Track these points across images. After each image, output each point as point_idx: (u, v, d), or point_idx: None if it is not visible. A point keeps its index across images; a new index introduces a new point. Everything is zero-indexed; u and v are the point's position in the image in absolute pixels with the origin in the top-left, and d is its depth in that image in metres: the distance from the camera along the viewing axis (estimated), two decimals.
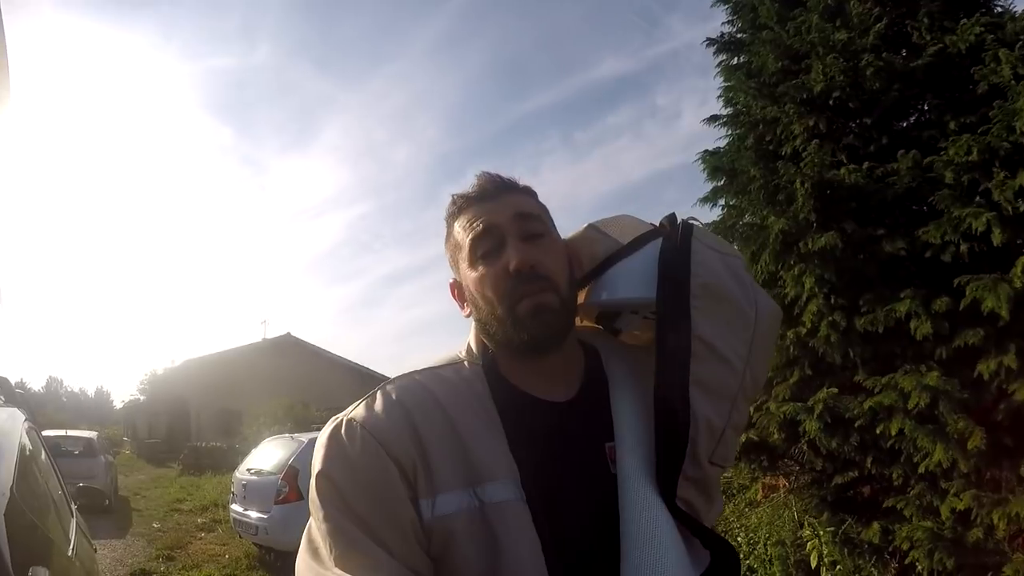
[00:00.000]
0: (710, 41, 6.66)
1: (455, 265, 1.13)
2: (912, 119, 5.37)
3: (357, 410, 1.01)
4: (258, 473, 8.64)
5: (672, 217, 1.13)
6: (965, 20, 4.83)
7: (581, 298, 1.17)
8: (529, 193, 1.14)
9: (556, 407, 1.05)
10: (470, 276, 1.07)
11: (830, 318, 4.88)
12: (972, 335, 4.20)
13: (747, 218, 6.02)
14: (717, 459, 1.03)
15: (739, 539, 5.92)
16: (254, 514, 8.05)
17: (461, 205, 1.11)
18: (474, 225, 1.06)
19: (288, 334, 32.51)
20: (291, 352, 31.00)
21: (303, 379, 27.21)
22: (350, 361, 32.59)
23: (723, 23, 6.82)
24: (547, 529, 0.92)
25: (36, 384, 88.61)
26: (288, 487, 7.69)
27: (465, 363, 1.09)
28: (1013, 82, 4.37)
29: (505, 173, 1.14)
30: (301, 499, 7.45)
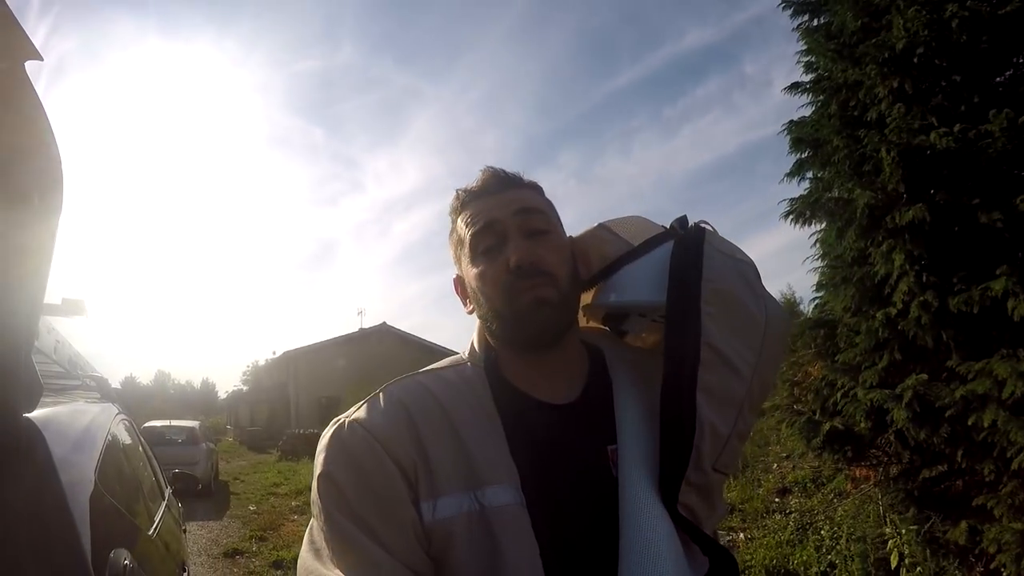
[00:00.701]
0: (786, 3, 6.21)
1: (457, 261, 1.13)
2: (1007, 73, 4.83)
3: (359, 412, 1.01)
4: None
5: (683, 220, 1.11)
6: None
7: (589, 299, 1.18)
8: (534, 188, 1.14)
9: (557, 409, 1.05)
10: (471, 272, 1.07)
11: (921, 298, 4.43)
12: None
13: (834, 192, 5.57)
14: (720, 466, 1.01)
15: (823, 532, 5.60)
16: None
17: (464, 200, 1.11)
18: (476, 221, 1.07)
19: (383, 323, 33.36)
20: (386, 340, 32.06)
21: (398, 366, 27.00)
22: (442, 347, 33.15)
23: None
24: (546, 533, 0.92)
25: (145, 379, 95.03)
26: None
27: (467, 364, 1.10)
28: None
29: (510, 168, 1.14)
30: None
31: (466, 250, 1.09)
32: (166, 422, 16.29)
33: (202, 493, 12.77)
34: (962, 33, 4.57)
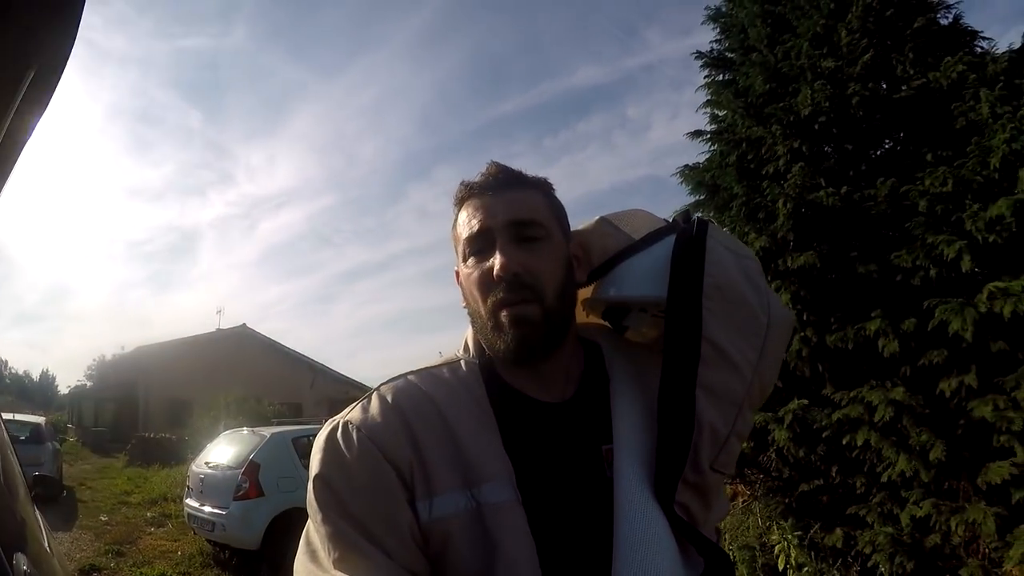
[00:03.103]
0: (699, 55, 6.81)
1: (456, 255, 1.11)
2: (890, 148, 5.60)
3: (353, 413, 1.00)
4: (216, 467, 8.36)
5: (686, 214, 1.10)
6: (949, 58, 5.06)
7: (589, 293, 1.16)
8: (539, 188, 1.10)
9: (552, 408, 1.04)
10: (463, 271, 1.07)
11: (802, 333, 5.07)
12: (936, 355, 4.47)
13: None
14: (719, 466, 1.00)
15: None
16: (211, 510, 7.73)
17: (465, 195, 1.09)
18: (471, 223, 1.05)
19: (244, 325, 31.74)
20: (245, 344, 30.20)
21: (256, 372, 26.60)
22: (305, 356, 32.08)
23: (712, 41, 7.04)
24: (541, 531, 0.92)
25: None
26: (248, 483, 7.39)
27: (462, 362, 1.08)
28: (991, 120, 4.62)
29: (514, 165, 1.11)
30: (261, 495, 7.35)
31: (460, 248, 1.07)
32: (8, 415, 14.82)
33: (47, 499, 11.72)
34: (860, 109, 5.27)
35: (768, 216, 5.45)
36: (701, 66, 6.84)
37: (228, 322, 35.56)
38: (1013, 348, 4.33)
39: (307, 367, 30.16)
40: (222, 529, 7.50)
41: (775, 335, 1.03)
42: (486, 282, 1.01)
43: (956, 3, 5.69)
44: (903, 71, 5.36)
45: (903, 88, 5.24)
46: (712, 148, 6.54)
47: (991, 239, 4.38)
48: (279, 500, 7.47)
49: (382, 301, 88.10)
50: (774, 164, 5.61)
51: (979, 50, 5.50)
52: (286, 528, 7.21)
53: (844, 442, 4.83)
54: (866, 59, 5.34)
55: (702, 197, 6.45)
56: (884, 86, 5.40)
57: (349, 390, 29.77)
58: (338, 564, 0.88)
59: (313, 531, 0.94)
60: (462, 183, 1.11)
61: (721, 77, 6.74)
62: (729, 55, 6.84)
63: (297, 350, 32.34)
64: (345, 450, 0.95)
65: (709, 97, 6.67)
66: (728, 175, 6.03)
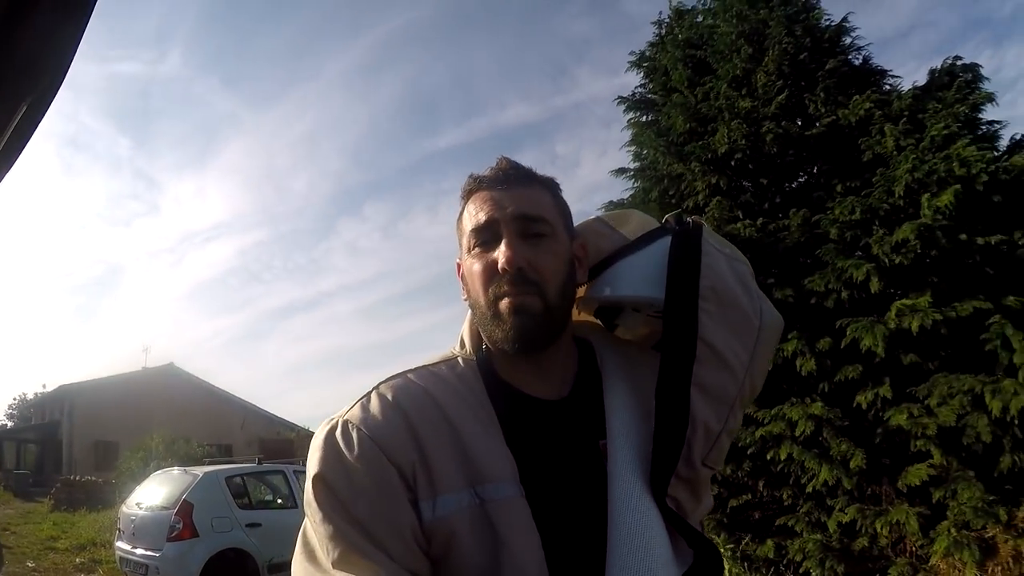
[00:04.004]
0: (621, 99, 7.18)
1: (460, 247, 1.12)
2: (803, 181, 6.03)
3: (352, 411, 0.99)
4: (148, 508, 8.18)
5: (679, 215, 1.12)
6: (857, 96, 5.48)
7: (583, 291, 1.16)
8: (546, 186, 1.11)
9: (550, 405, 1.05)
10: (467, 263, 1.07)
11: None
12: (852, 370, 4.85)
13: None
14: (710, 461, 1.03)
15: None
16: (143, 551, 7.57)
17: (474, 187, 1.09)
18: (478, 215, 1.05)
19: (171, 364, 30.62)
20: (173, 383, 29.36)
21: (185, 412, 26.09)
22: (234, 395, 31.40)
23: (637, 86, 7.38)
24: (545, 525, 0.93)
25: None
26: (182, 523, 7.23)
27: (459, 359, 1.09)
28: (895, 152, 5.05)
29: (515, 166, 1.12)
30: (196, 536, 7.23)
31: (465, 240, 1.08)
32: None
33: None
34: (774, 145, 5.67)
35: None
36: (625, 109, 7.19)
37: (155, 360, 34.37)
38: (924, 359, 4.70)
39: (238, 407, 29.56)
40: (155, 572, 7.30)
41: (766, 337, 1.06)
42: (490, 273, 1.02)
43: (866, 45, 6.17)
44: (815, 109, 5.75)
45: (816, 125, 5.64)
46: (635, 185, 6.86)
47: (897, 260, 4.75)
48: (214, 540, 7.36)
49: (314, 338, 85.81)
50: (693, 199, 5.96)
51: (888, 87, 5.94)
52: (222, 570, 7.10)
53: (768, 457, 5.14)
54: (780, 99, 5.72)
55: None
56: (799, 123, 5.82)
57: (280, 430, 29.29)
58: (339, 565, 0.88)
59: (311, 531, 0.93)
60: (471, 176, 1.11)
61: (644, 118, 7.08)
62: (651, 96, 7.19)
63: (227, 389, 31.59)
64: (345, 450, 0.94)
65: (633, 139, 7.01)
66: (650, 210, 6.21)
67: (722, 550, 5.05)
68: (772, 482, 5.35)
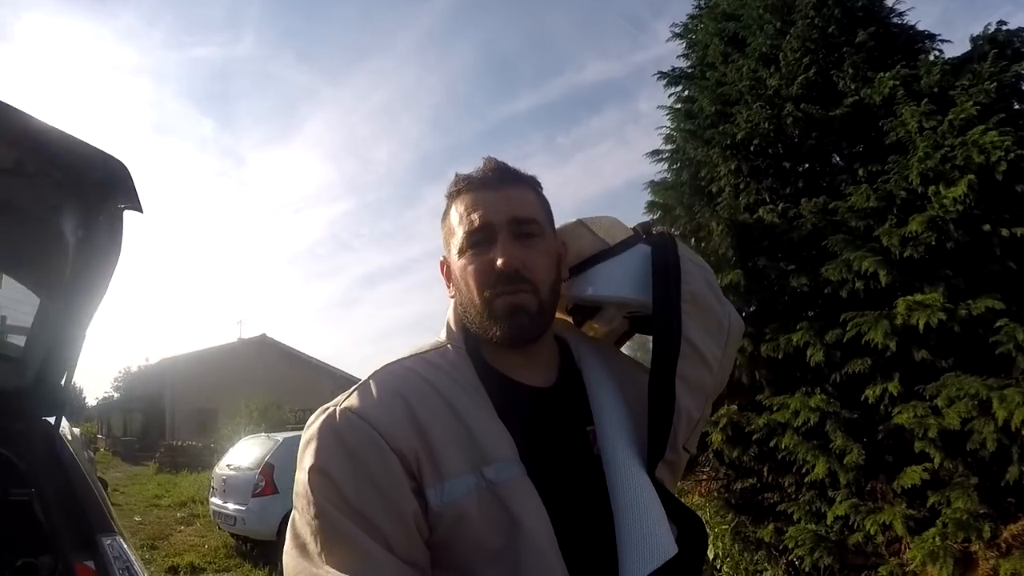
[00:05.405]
0: (661, 75, 6.97)
1: (447, 246, 1.14)
2: (828, 165, 5.78)
3: (349, 400, 0.99)
4: (237, 469, 9.30)
5: (648, 225, 1.23)
6: (883, 74, 5.15)
7: (562, 290, 1.19)
8: (532, 186, 1.15)
9: (540, 392, 1.11)
10: (458, 262, 1.09)
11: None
12: (860, 364, 4.68)
13: None
14: (689, 446, 1.14)
15: None
16: (233, 506, 8.73)
17: (462, 188, 1.11)
18: (471, 217, 1.07)
19: (263, 335, 32.76)
20: (266, 353, 31.44)
21: (277, 380, 27.42)
22: (323, 363, 32.85)
23: (678, 56, 7.17)
24: (550, 505, 0.96)
25: None
26: (264, 481, 8.44)
27: (449, 347, 1.11)
28: (917, 135, 4.73)
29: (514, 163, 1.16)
30: (276, 492, 8.30)
31: (456, 240, 1.09)
32: None
33: None
34: (795, 128, 5.47)
35: (708, 234, 5.65)
36: (665, 85, 6.92)
37: (249, 331, 36.25)
38: (936, 356, 4.49)
39: (326, 373, 30.81)
40: (242, 523, 8.46)
41: (733, 339, 1.18)
42: (486, 274, 1.05)
43: (908, 10, 5.80)
44: (844, 86, 5.45)
45: (842, 104, 5.32)
46: (672, 167, 6.70)
47: (907, 254, 4.54)
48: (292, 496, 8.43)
49: (402, 305, 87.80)
50: (717, 183, 5.88)
51: (934, 56, 5.50)
52: None
53: (772, 444, 5.11)
54: (804, 78, 5.49)
55: (657, 215, 6.52)
56: (821, 105, 5.47)
57: None
58: (336, 561, 0.87)
59: (301, 523, 0.92)
60: (457, 175, 1.14)
61: (684, 93, 6.81)
62: (690, 71, 6.96)
63: (316, 357, 33.14)
64: (346, 439, 0.93)
65: (667, 121, 6.82)
66: (677, 192, 6.31)
67: (716, 530, 5.11)
68: (777, 468, 5.29)
